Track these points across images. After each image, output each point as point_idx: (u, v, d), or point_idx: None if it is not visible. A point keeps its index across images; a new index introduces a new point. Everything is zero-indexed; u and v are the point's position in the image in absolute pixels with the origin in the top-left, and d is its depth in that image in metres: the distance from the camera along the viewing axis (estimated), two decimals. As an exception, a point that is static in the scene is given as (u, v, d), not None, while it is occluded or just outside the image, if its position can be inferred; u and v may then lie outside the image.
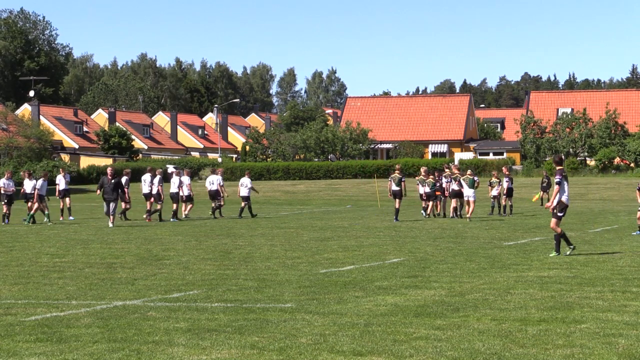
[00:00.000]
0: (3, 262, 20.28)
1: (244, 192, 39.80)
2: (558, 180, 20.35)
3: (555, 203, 20.42)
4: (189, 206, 38.46)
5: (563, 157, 22.37)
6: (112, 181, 33.47)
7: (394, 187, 36.37)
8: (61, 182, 40.34)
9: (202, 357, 9.86)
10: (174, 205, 37.54)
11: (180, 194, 37.92)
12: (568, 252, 20.51)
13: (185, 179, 38.16)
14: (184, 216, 38.14)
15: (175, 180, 37.92)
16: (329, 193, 68.23)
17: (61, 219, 38.82)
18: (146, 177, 37.58)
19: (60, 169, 43.56)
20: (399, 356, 9.81)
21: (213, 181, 39.45)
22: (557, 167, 20.69)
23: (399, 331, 11.19)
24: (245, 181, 40.05)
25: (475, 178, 36.37)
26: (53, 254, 21.85)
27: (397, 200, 36.22)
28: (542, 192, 45.38)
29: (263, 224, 34.78)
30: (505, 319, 11.98)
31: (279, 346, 10.33)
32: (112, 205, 33.19)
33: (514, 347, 10.18)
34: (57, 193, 40.39)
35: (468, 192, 36.16)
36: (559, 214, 20.41)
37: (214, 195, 39.27)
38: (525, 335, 10.85)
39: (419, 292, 14.66)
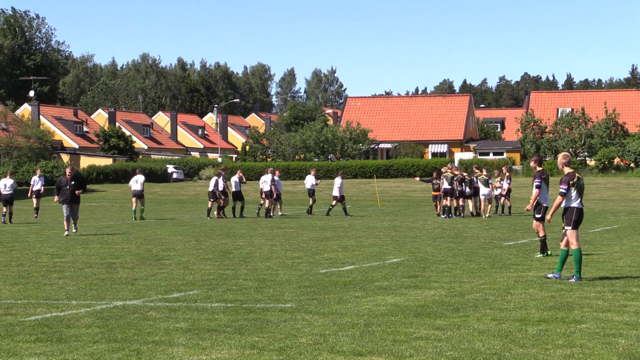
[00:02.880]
0: (3, 262, 20.28)
1: (335, 191, 41.17)
2: (538, 183, 19.99)
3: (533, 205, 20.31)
4: (275, 203, 40.61)
5: (542, 157, 22.18)
6: (72, 182, 28.85)
7: (446, 186, 37.71)
8: (36, 183, 41.92)
9: (202, 357, 9.86)
10: (267, 202, 39.81)
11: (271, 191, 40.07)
12: (538, 255, 20.40)
13: (268, 178, 39.97)
14: (280, 214, 40.56)
15: (266, 179, 39.97)
16: (329, 193, 68.13)
17: (35, 216, 40.89)
18: (266, 177, 39.95)
19: (37, 170, 44.73)
20: (399, 356, 9.81)
21: (266, 180, 40.36)
22: (538, 168, 20.34)
23: (399, 331, 11.19)
24: (338, 181, 41.25)
25: (490, 179, 38.31)
26: (53, 254, 21.85)
27: (449, 198, 37.89)
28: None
29: (263, 224, 34.78)
30: (505, 319, 11.97)
31: (279, 346, 10.33)
32: (73, 212, 28.78)
33: (514, 347, 10.18)
34: (29, 193, 41.65)
35: (483, 192, 38.10)
36: (536, 216, 20.31)
37: (268, 194, 40.43)
38: (525, 335, 10.84)
39: (419, 292, 14.66)
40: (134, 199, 38.81)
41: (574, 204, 16.04)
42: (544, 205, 20.25)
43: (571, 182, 16.05)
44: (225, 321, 12.04)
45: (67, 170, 29.20)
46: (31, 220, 39.07)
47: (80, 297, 14.46)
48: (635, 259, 19.81)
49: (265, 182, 40.19)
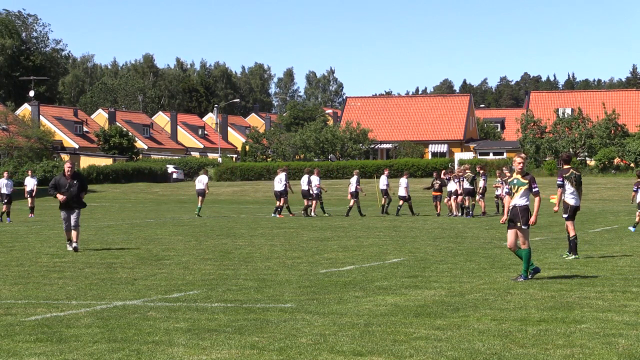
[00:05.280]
0: (3, 262, 20.27)
1: (402, 191, 41.67)
2: (560, 182, 20.07)
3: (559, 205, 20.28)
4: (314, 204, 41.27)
5: (570, 155, 22.06)
6: (75, 182, 23.07)
7: (467, 186, 38.55)
8: (29, 183, 43.10)
9: (202, 357, 9.85)
10: (305, 202, 40.94)
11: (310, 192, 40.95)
12: (564, 256, 20.22)
13: (315, 179, 40.71)
14: (313, 214, 40.92)
15: (304, 179, 40.87)
16: (329, 193, 68.15)
17: (30, 216, 41.92)
18: (281, 176, 40.74)
19: (29, 171, 45.55)
20: (399, 356, 9.81)
21: (305, 181, 41.29)
22: (565, 166, 20.41)
23: (399, 331, 11.18)
24: (403, 181, 41.79)
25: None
26: (53, 254, 21.84)
27: (469, 197, 38.75)
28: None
29: (263, 224, 34.77)
30: (505, 319, 11.97)
31: (279, 346, 10.33)
32: (73, 217, 22.88)
33: (514, 347, 10.18)
34: (25, 193, 42.41)
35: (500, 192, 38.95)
36: (563, 215, 20.28)
37: (305, 194, 41.32)
38: (525, 335, 10.84)
39: (419, 292, 14.66)
40: (199, 198, 41.33)
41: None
42: (571, 204, 20.10)
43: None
44: (225, 321, 12.03)
45: (66, 167, 23.38)
46: (28, 220, 39.24)
47: (80, 297, 14.46)
48: (635, 259, 19.80)
49: (303, 182, 41.10)
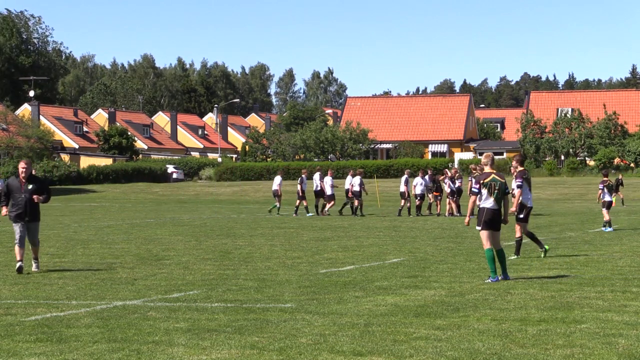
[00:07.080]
0: (3, 262, 20.27)
1: (419, 190, 41.95)
2: (519, 183, 19.96)
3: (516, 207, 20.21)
4: (330, 204, 42.04)
5: (525, 155, 22.12)
6: (30, 186, 18.25)
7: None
8: None
9: (202, 357, 9.86)
10: (355, 202, 41.61)
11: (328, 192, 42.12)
12: (512, 257, 19.79)
13: (328, 179, 41.94)
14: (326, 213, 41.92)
15: (348, 179, 41.99)
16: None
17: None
18: (316, 176, 42.31)
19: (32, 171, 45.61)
20: (399, 356, 9.81)
21: (353, 182, 41.80)
22: (520, 168, 20.26)
23: (399, 331, 11.18)
24: (419, 180, 42.14)
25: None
26: (53, 254, 21.83)
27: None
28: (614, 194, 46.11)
29: (263, 224, 34.78)
30: (505, 319, 11.97)
31: (279, 346, 10.33)
32: (30, 234, 18.33)
33: (514, 347, 10.18)
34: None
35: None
36: (519, 216, 20.24)
37: (357, 195, 41.76)
38: (525, 335, 10.84)
39: (419, 292, 14.66)
40: (275, 197, 43.09)
41: (484, 205, 16.12)
42: (528, 205, 20.23)
43: (482, 182, 16.14)
44: (225, 321, 12.03)
45: (20, 166, 18.52)
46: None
47: (80, 297, 14.46)
48: (635, 259, 19.80)
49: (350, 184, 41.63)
